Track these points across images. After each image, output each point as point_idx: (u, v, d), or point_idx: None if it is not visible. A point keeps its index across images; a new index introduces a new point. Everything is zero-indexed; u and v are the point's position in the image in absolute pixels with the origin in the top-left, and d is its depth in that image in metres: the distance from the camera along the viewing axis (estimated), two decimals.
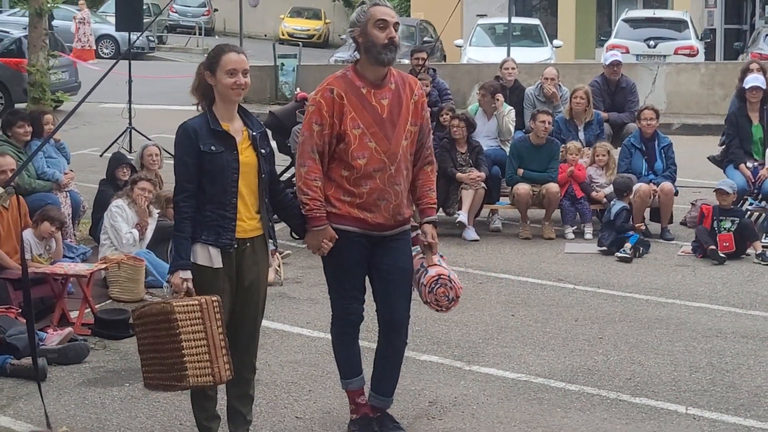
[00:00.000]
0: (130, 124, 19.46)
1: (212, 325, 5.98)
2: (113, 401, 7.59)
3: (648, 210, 13.22)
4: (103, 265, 10.04)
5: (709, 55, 33.22)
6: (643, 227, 12.76)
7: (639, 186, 12.83)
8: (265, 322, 9.37)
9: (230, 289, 6.28)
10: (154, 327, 6.08)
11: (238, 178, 6.18)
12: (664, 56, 27.69)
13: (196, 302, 5.96)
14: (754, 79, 13.61)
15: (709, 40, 33.73)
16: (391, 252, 6.66)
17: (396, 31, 6.53)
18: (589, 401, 7.58)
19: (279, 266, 10.97)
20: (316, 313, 9.66)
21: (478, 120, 13.84)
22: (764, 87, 13.53)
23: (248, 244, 6.29)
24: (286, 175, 13.86)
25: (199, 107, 6.35)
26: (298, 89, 22.10)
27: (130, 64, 19.89)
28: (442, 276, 6.67)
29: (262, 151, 6.32)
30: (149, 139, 15.68)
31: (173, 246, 6.24)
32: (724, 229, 12.02)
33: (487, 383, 7.94)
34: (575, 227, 13.30)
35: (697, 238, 12.09)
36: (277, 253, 11.08)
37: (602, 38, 34.12)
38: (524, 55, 25.51)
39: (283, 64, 27.24)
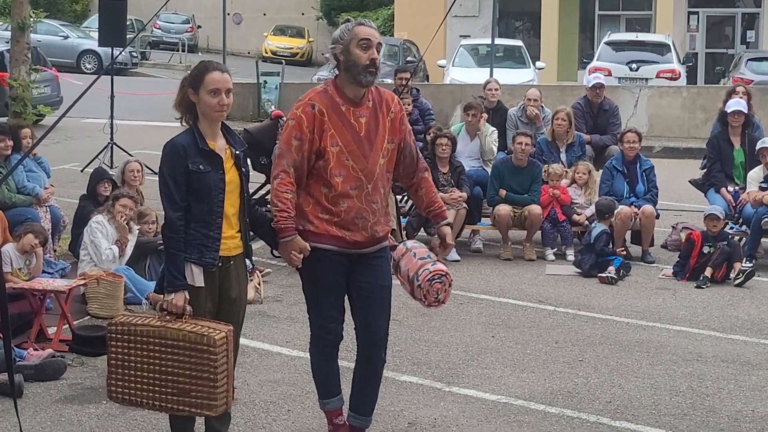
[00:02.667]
0: (111, 139, 19.41)
1: (231, 355, 6.05)
2: (90, 418, 7.51)
3: (629, 233, 13.22)
4: (82, 281, 9.98)
5: (691, 79, 33.38)
6: (624, 252, 12.73)
7: (621, 209, 12.83)
8: (244, 341, 9.35)
9: (212, 308, 6.24)
10: (165, 349, 6.01)
11: (224, 198, 6.14)
12: (646, 79, 27.81)
13: (224, 334, 5.95)
14: (735, 103, 13.65)
15: (691, 64, 33.90)
16: (370, 270, 6.61)
17: (378, 52, 6.50)
18: (569, 424, 7.54)
19: (259, 284, 10.92)
20: (296, 332, 9.61)
21: (461, 140, 13.84)
22: (746, 111, 13.56)
23: (231, 263, 6.28)
24: (261, 192, 13.86)
25: (183, 122, 6.27)
26: (273, 107, 22.14)
27: (112, 79, 19.87)
28: (448, 275, 6.62)
29: (243, 169, 6.30)
30: (131, 155, 15.65)
31: (168, 264, 6.13)
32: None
33: (466, 405, 7.90)
34: (556, 249, 13.29)
35: (710, 258, 12.00)
36: (257, 272, 11.05)
37: (585, 60, 34.29)
38: (507, 76, 25.58)
39: (266, 82, 27.26)
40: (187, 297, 6.04)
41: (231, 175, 6.20)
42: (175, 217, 6.05)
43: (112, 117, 19.67)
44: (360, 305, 6.65)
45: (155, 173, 16.68)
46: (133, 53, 43.76)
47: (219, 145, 6.21)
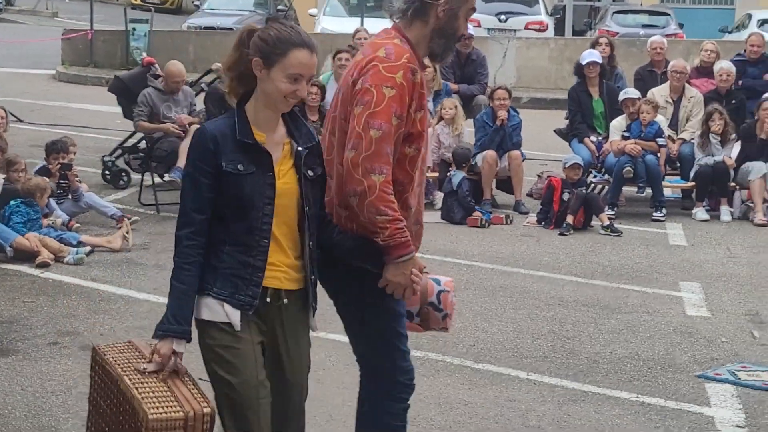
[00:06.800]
0: None
1: None
2: None
3: (495, 181, 13.39)
4: None
5: (559, 30, 33.74)
6: (490, 199, 13.00)
7: (486, 153, 12.99)
8: (111, 288, 9.40)
9: (259, 357, 4.53)
10: (112, 401, 4.53)
11: (272, 211, 4.43)
12: (515, 30, 28.04)
13: (182, 416, 4.27)
14: (589, 54, 13.93)
15: (558, 16, 34.26)
16: None
17: None
18: (433, 367, 7.68)
19: (127, 233, 10.83)
20: (163, 279, 9.48)
21: (331, 88, 13.85)
22: (600, 62, 13.83)
23: (284, 300, 4.55)
24: (132, 141, 13.81)
25: (229, 95, 4.59)
26: (144, 54, 21.92)
27: None
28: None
29: (309, 173, 4.55)
30: None
31: (168, 297, 4.45)
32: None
33: (333, 349, 7.95)
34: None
35: (568, 204, 12.23)
36: (126, 219, 10.98)
37: None
38: (378, 25, 25.24)
39: (134, 29, 26.85)
40: (179, 350, 4.41)
41: (286, 179, 4.48)
42: (183, 235, 4.40)
43: None
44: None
45: (20, 120, 16.36)
46: None
47: (274, 138, 4.51)
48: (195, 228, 4.37)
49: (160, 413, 4.24)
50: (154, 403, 4.27)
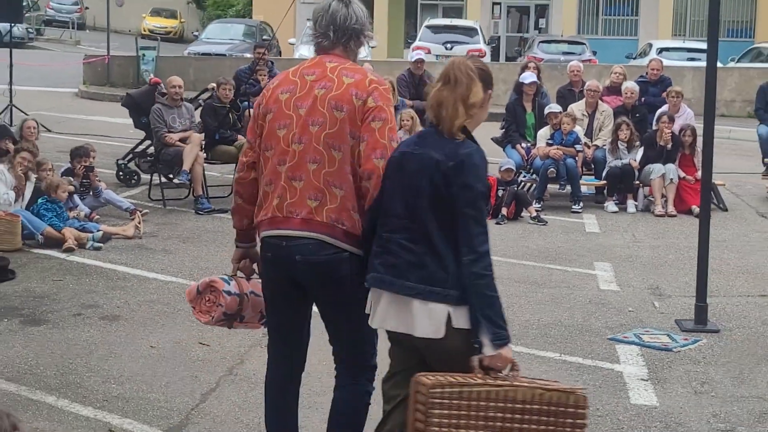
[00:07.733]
0: (11, 102, 18.80)
1: None
2: None
3: None
4: None
5: (494, 56, 33.82)
6: None
7: None
8: (125, 269, 9.33)
9: None
10: (511, 416, 3.86)
11: None
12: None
13: (584, 395, 3.97)
14: (529, 76, 13.93)
15: (494, 45, 34.30)
16: None
17: None
18: None
19: (139, 223, 10.76)
20: (169, 262, 9.52)
21: None
22: (538, 82, 13.87)
23: None
24: (141, 147, 13.72)
25: (458, 128, 4.28)
26: (152, 75, 21.82)
27: (11, 51, 19.22)
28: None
29: None
30: (27, 115, 15.24)
31: (486, 311, 3.93)
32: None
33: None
34: None
35: (503, 199, 12.19)
36: (138, 212, 10.92)
37: (409, 41, 34.46)
38: None
39: (144, 55, 26.68)
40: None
41: None
42: (489, 251, 4.07)
43: (11, 83, 19.04)
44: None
45: (49, 130, 16.25)
46: (29, 29, 42.43)
47: None
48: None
49: (581, 392, 3.90)
50: (558, 388, 3.90)
